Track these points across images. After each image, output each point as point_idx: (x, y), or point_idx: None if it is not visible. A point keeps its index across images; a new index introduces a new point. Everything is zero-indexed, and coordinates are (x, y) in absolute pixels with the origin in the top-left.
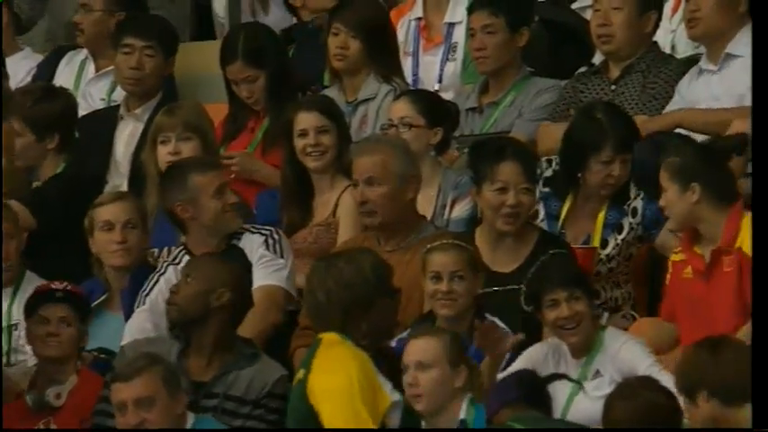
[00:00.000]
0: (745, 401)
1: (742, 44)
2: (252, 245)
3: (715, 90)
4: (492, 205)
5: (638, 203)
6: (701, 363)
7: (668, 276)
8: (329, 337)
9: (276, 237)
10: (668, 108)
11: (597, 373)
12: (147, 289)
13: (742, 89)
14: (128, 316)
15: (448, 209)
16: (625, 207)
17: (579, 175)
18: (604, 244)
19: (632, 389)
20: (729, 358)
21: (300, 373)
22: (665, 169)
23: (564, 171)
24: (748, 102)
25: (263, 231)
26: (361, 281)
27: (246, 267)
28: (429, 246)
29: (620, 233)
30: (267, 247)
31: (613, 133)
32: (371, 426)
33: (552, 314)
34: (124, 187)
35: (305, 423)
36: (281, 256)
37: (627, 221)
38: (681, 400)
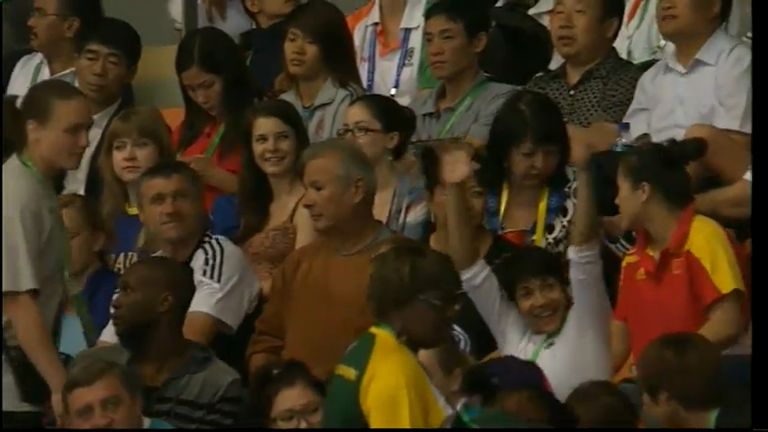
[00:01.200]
0: (708, 408)
1: (711, 52)
2: (197, 263)
3: (681, 92)
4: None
5: None
6: (664, 363)
7: (621, 279)
8: (384, 339)
9: (218, 258)
10: (632, 107)
11: (551, 343)
12: None
13: (711, 100)
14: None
15: (403, 214)
16: (566, 189)
17: (506, 166)
18: (551, 228)
19: (589, 392)
20: (694, 362)
21: (351, 373)
22: (621, 166)
23: (491, 162)
24: (719, 114)
25: (207, 249)
26: (397, 279)
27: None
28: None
29: (564, 215)
30: (204, 272)
31: (534, 126)
32: None
33: (527, 303)
34: (81, 193)
35: (355, 426)
36: (218, 280)
37: (570, 203)
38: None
